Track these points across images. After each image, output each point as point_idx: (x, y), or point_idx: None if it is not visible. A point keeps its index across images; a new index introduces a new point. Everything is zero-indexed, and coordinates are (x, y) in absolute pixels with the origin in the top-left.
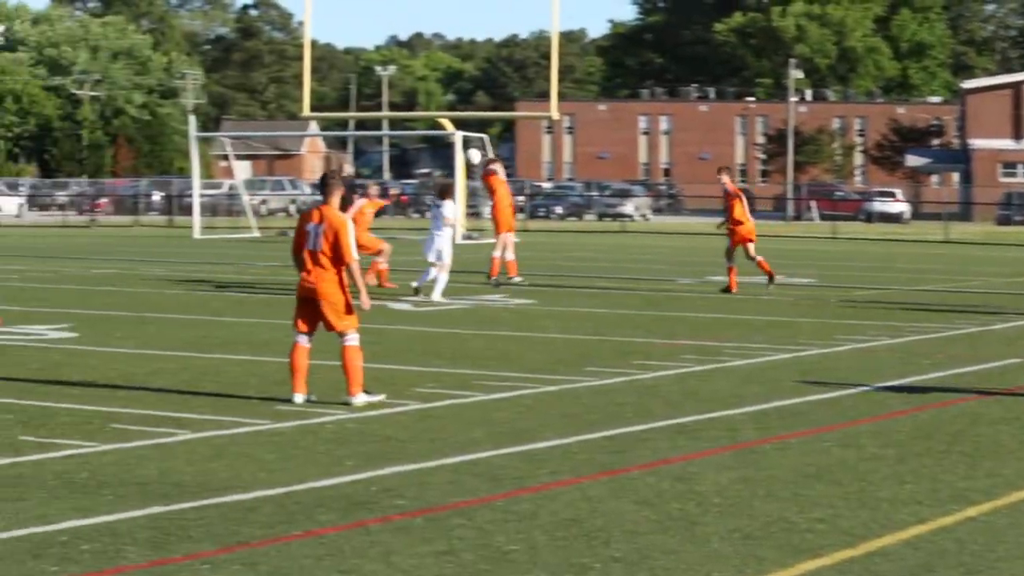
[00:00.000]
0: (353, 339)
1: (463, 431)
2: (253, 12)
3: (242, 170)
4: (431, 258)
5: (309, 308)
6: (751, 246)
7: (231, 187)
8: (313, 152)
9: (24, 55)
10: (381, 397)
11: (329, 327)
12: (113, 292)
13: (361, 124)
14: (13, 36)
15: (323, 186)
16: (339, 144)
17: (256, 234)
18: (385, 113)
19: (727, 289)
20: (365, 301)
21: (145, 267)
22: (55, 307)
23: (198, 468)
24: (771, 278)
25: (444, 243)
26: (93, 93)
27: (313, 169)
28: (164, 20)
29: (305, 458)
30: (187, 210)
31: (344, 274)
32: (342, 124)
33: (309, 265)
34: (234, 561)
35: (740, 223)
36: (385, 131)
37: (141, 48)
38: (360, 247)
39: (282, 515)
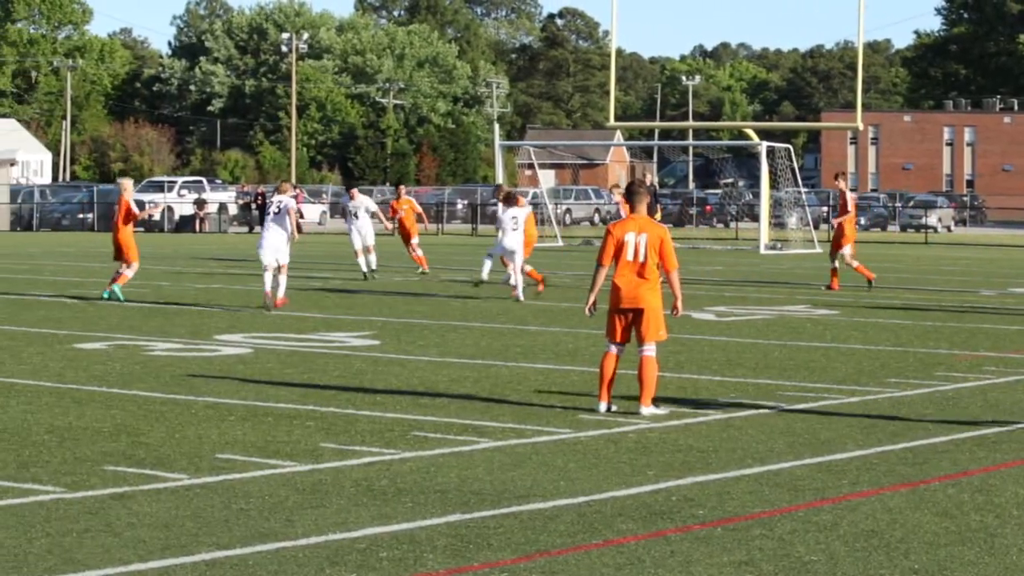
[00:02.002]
0: (653, 350)
1: (764, 441)
2: (559, 21)
3: (547, 179)
4: (498, 257)
5: (627, 318)
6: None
7: (535, 196)
8: (618, 161)
9: (329, 63)
10: (666, 411)
11: (642, 338)
12: (415, 300)
13: (666, 134)
14: (318, 44)
15: (630, 195)
16: (644, 154)
17: (560, 243)
18: (690, 123)
19: None
20: (680, 309)
21: (448, 275)
22: (358, 315)
23: (498, 476)
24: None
25: (514, 244)
26: (397, 101)
27: (618, 179)
28: (469, 28)
29: (606, 467)
30: (491, 219)
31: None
32: (647, 133)
33: (632, 275)
34: (533, 570)
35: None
36: (690, 141)
37: (446, 56)
38: None
39: (582, 524)
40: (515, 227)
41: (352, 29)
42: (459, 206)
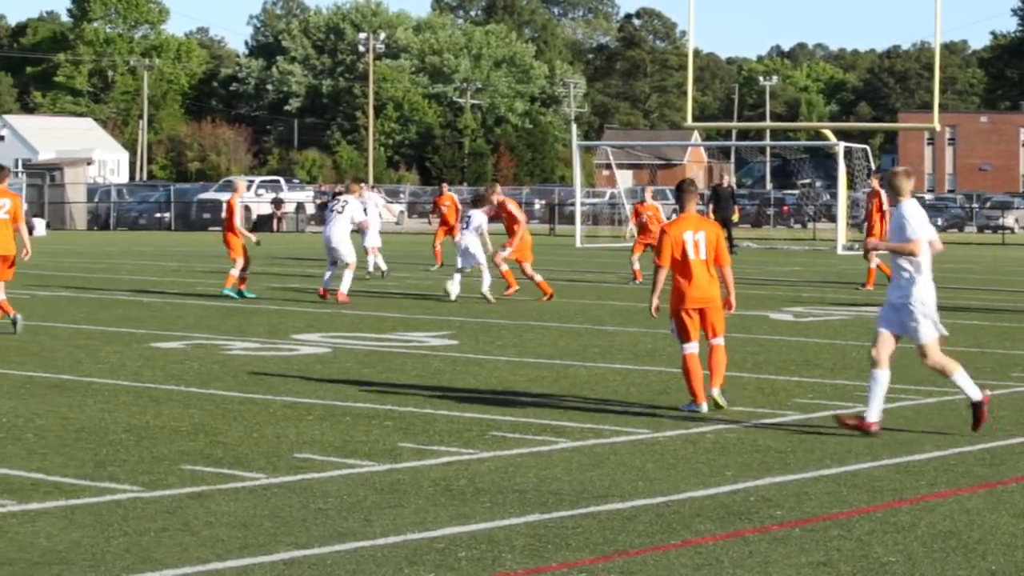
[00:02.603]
0: (723, 340)
1: (842, 442)
2: (636, 21)
3: (624, 179)
4: (461, 264)
5: (697, 315)
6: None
7: (613, 196)
8: (695, 162)
9: (406, 63)
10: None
11: (712, 332)
12: (493, 300)
13: (743, 134)
14: (395, 43)
15: (680, 193)
16: (721, 154)
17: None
18: (767, 123)
19: None
20: (733, 304)
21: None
22: (436, 315)
23: (576, 476)
24: None
25: (471, 245)
26: (475, 101)
27: (696, 179)
28: (547, 28)
29: (684, 467)
30: (569, 219)
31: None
32: (724, 134)
33: (703, 273)
34: (612, 570)
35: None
36: (767, 141)
37: (524, 56)
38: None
39: (660, 524)
40: (465, 226)
41: (429, 29)
42: (536, 206)
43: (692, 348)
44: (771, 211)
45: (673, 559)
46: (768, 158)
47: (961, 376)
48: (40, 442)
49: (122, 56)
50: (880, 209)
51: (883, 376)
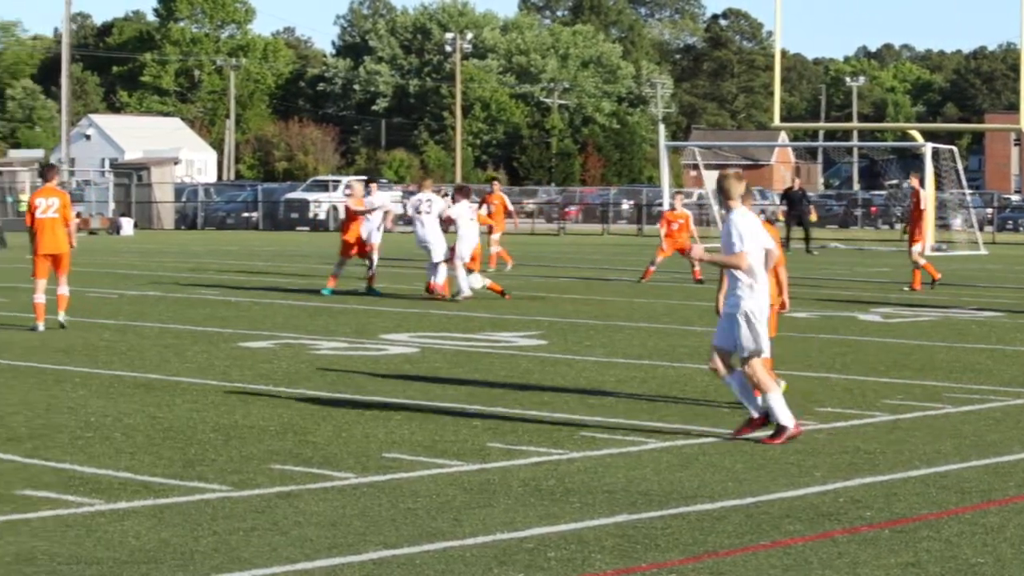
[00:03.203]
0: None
1: (931, 443)
2: (723, 22)
3: (711, 180)
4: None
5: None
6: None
7: (700, 196)
8: (783, 162)
9: (493, 63)
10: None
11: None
12: (582, 300)
13: (830, 135)
14: (482, 43)
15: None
16: (808, 154)
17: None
18: (854, 124)
19: None
20: (787, 304)
21: (614, 275)
22: (524, 314)
23: (665, 477)
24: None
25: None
26: (562, 101)
27: (783, 180)
28: (634, 29)
29: (774, 468)
30: (656, 219)
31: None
32: (811, 134)
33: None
34: (701, 571)
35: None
36: (854, 142)
37: (611, 56)
38: None
39: (749, 525)
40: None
41: (516, 29)
42: (624, 206)
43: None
44: (859, 212)
45: (762, 560)
46: (855, 159)
47: (776, 397)
48: (128, 441)
49: (208, 56)
50: (918, 207)
51: (737, 377)
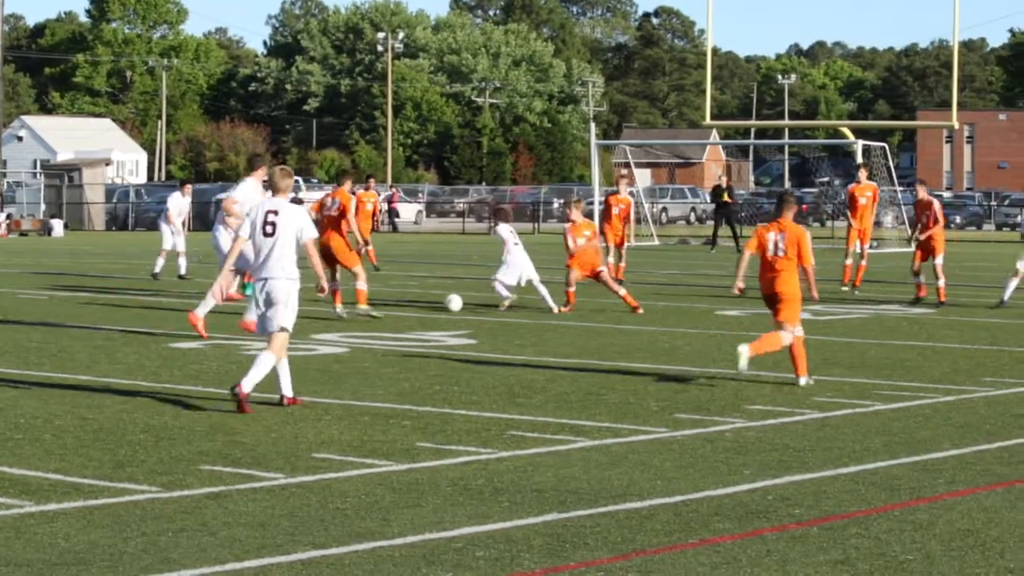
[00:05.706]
0: (800, 331)
1: (860, 440)
2: (654, 20)
3: (643, 178)
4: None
5: (773, 305)
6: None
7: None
8: (714, 160)
9: (424, 62)
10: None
11: (779, 323)
12: (512, 299)
13: (762, 132)
14: (414, 43)
15: (780, 203)
16: (740, 152)
17: (656, 242)
18: (786, 122)
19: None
20: (815, 294)
21: (545, 276)
22: (454, 314)
23: (594, 475)
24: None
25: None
26: (493, 100)
27: (714, 177)
28: (565, 27)
29: (703, 466)
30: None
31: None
32: (743, 132)
33: (771, 270)
34: (630, 569)
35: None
36: (786, 140)
37: (542, 55)
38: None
39: (678, 523)
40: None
41: (448, 28)
42: (555, 205)
43: (787, 332)
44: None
45: (691, 558)
46: (787, 156)
47: (284, 368)
48: (58, 443)
49: (140, 56)
50: (934, 218)
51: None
